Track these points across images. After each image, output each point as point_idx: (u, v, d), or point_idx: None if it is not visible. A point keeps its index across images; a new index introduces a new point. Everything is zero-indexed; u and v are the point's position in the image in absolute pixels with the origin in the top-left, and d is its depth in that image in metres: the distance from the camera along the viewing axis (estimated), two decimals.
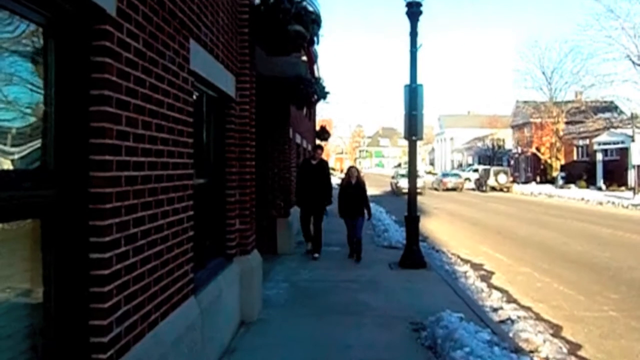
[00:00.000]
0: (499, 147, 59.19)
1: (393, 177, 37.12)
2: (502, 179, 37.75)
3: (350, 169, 10.46)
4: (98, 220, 2.51)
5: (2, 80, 2.13)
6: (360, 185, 9.95)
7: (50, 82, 2.36)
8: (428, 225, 15.52)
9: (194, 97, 4.18)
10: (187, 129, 3.81)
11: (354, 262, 9.63)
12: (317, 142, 25.75)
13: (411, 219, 9.51)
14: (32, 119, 2.32)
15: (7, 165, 2.17)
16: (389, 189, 36.27)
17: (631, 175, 31.57)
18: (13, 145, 2.22)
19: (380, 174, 78.29)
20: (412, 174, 9.84)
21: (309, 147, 16.19)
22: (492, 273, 9.59)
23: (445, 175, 43.78)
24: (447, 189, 38.22)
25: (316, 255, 9.91)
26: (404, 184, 27.51)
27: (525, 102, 48.13)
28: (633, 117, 29.88)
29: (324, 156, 11.41)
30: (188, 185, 3.84)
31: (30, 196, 2.25)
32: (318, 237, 10.07)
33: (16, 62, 2.22)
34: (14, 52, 2.21)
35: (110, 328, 2.56)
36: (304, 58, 9.52)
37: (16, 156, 2.23)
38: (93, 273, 2.50)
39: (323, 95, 12.15)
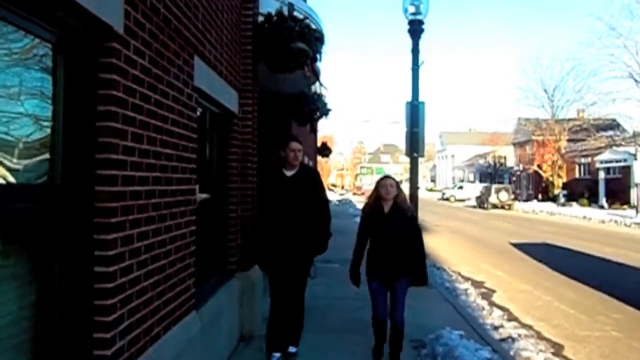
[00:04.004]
0: (501, 164, 59.29)
1: None
2: (504, 196, 37.75)
3: (383, 182, 5.04)
4: (103, 234, 2.54)
5: (12, 94, 2.18)
6: (405, 216, 4.98)
7: (58, 97, 2.41)
8: (429, 243, 15.44)
9: (198, 113, 4.23)
10: (191, 145, 3.86)
11: None
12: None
13: None
14: (41, 134, 2.36)
15: (15, 178, 2.21)
16: None
17: (634, 194, 31.55)
18: (21, 159, 2.26)
19: None
20: (413, 192, 9.85)
21: (310, 163, 15.96)
22: (493, 291, 9.56)
23: None
24: None
25: (292, 349, 5.13)
26: None
27: (526, 119, 48.27)
28: (635, 135, 29.99)
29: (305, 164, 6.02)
30: (191, 200, 3.88)
31: (38, 209, 2.29)
32: (298, 316, 5.16)
33: (26, 77, 2.28)
34: (24, 68, 2.26)
35: (113, 341, 2.57)
36: (307, 75, 9.61)
37: (24, 170, 2.28)
38: (97, 286, 2.53)
39: (325, 111, 12.21)
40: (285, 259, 4.94)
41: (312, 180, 5.19)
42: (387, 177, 5.20)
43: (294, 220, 4.92)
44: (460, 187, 52.68)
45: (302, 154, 5.24)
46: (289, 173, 5.08)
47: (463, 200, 49.45)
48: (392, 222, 4.91)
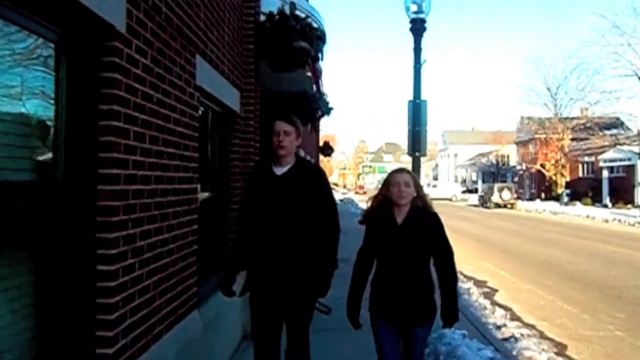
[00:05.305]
0: (503, 163, 59.16)
1: None
2: (506, 195, 37.66)
3: (394, 178, 3.33)
4: (105, 232, 2.55)
5: (14, 94, 2.18)
6: (428, 226, 3.37)
7: (61, 96, 2.41)
8: None
9: (200, 112, 4.23)
10: (193, 144, 3.86)
11: None
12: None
13: None
14: (43, 133, 2.37)
15: (18, 177, 2.21)
16: None
17: (637, 193, 31.51)
18: (24, 158, 2.27)
19: None
20: None
21: (312, 161, 15.97)
22: (496, 290, 9.54)
23: None
24: None
25: None
26: None
27: (529, 118, 48.17)
28: (639, 134, 29.88)
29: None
30: (193, 199, 3.88)
31: (40, 208, 2.29)
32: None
33: (28, 76, 2.28)
34: (27, 68, 2.27)
35: (116, 340, 2.58)
36: (309, 74, 9.59)
37: (26, 169, 2.28)
38: (100, 285, 2.54)
39: (327, 111, 12.18)
40: (274, 297, 3.58)
41: (313, 184, 3.50)
42: (400, 170, 3.49)
43: (286, 217, 3.43)
44: (435, 186, 52.54)
45: (296, 139, 3.59)
46: (279, 171, 3.49)
47: (436, 200, 49.35)
48: (410, 238, 3.31)
